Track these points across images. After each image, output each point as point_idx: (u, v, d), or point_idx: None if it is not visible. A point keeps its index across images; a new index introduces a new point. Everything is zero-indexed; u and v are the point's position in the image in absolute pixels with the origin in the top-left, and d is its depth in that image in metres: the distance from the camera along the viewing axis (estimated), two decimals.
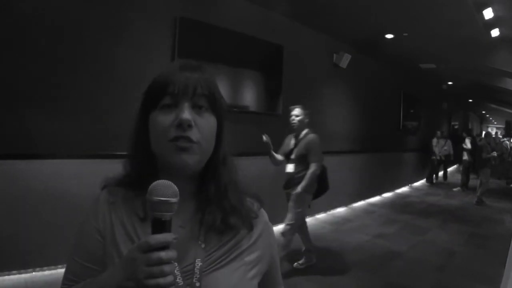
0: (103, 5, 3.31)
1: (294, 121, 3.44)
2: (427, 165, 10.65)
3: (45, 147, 2.94)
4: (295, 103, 5.45)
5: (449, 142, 10.52)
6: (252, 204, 0.77)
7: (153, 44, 3.70)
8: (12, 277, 2.80)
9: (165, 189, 0.57)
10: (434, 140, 10.32)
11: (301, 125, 3.45)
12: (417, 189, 9.75)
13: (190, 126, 0.65)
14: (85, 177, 2.98)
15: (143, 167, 0.69)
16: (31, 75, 2.92)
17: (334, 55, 6.27)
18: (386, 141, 8.31)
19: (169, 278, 0.55)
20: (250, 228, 0.73)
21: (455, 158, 11.01)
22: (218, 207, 0.70)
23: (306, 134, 3.44)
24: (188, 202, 0.70)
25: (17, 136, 2.83)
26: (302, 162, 3.38)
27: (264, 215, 0.79)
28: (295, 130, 3.49)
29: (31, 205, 2.84)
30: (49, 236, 2.88)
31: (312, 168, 3.30)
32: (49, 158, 2.97)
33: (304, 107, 3.51)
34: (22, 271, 2.87)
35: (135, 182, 0.69)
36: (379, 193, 8.06)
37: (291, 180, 3.43)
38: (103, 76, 3.34)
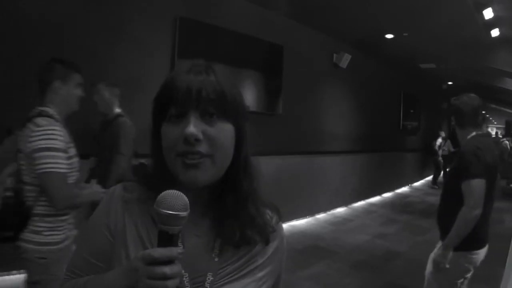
0: (103, 5, 3.31)
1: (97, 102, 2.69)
2: (428, 166, 10.62)
3: None
4: (295, 103, 5.48)
5: (448, 142, 10.51)
6: (270, 217, 0.73)
7: (153, 44, 3.70)
8: (12, 277, 2.80)
9: (174, 202, 0.53)
10: (439, 140, 10.25)
11: (106, 105, 2.67)
12: (417, 189, 9.75)
13: (197, 140, 0.59)
14: (85, 176, 2.98)
15: (159, 176, 0.65)
16: (31, 74, 2.92)
17: (334, 55, 6.27)
18: (386, 141, 8.31)
19: None
20: (267, 242, 0.70)
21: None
22: (237, 220, 0.66)
23: (115, 117, 2.63)
24: (205, 211, 0.67)
25: None
26: (107, 154, 2.54)
27: (281, 229, 0.75)
28: (100, 114, 2.72)
29: None
30: None
31: (116, 162, 2.48)
32: None
33: (109, 83, 2.74)
34: (22, 271, 2.86)
35: (153, 183, 0.65)
36: (379, 193, 8.07)
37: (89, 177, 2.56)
38: (103, 75, 3.33)
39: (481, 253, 1.95)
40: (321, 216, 5.87)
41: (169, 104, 0.62)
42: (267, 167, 4.89)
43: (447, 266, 1.90)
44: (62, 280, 0.70)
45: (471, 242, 1.88)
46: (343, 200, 6.61)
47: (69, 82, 1.78)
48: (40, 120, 1.60)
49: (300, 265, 3.66)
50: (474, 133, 2.00)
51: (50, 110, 1.70)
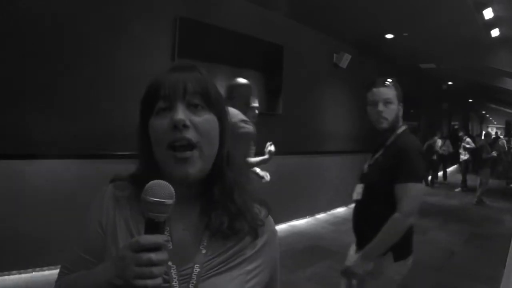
0: (103, 5, 3.31)
1: None
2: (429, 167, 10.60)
3: (45, 147, 2.94)
4: (295, 103, 5.48)
5: (447, 142, 10.48)
6: (259, 211, 0.74)
7: (153, 44, 3.70)
8: (12, 277, 2.80)
9: (160, 190, 0.56)
10: (440, 141, 10.24)
11: None
12: None
13: (185, 126, 0.63)
14: (85, 177, 2.98)
15: (148, 171, 0.67)
16: (31, 75, 2.92)
17: (334, 55, 6.27)
18: None
19: (158, 281, 0.54)
20: (255, 236, 0.70)
21: (454, 157, 11.01)
22: (224, 210, 0.68)
23: None
24: (192, 205, 0.69)
25: (17, 136, 2.83)
26: None
27: (271, 223, 0.76)
28: None
29: (31, 205, 2.84)
30: (49, 236, 2.88)
31: None
32: (49, 158, 2.97)
33: None
34: (22, 271, 2.86)
35: (142, 181, 0.67)
36: None
37: None
38: (103, 76, 3.34)
39: (411, 257, 1.71)
40: (321, 216, 5.87)
41: (157, 100, 0.66)
42: (266, 167, 4.89)
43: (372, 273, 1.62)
44: (57, 276, 0.72)
45: (408, 248, 1.67)
46: (343, 200, 6.60)
47: None
48: None
49: (300, 265, 3.66)
50: (404, 127, 1.73)
51: None
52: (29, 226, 2.83)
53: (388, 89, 1.69)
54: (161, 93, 0.65)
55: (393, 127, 1.71)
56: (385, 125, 1.69)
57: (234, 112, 2.24)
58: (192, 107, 0.65)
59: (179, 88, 0.65)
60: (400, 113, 1.73)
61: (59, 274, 0.72)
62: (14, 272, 2.83)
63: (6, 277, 2.79)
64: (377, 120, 1.72)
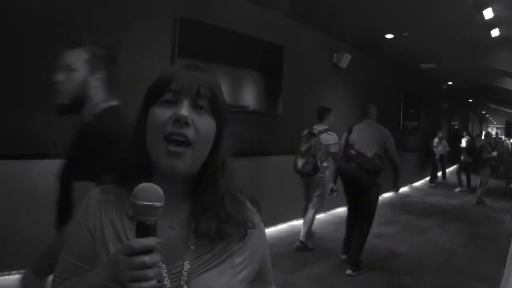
0: (103, 5, 3.31)
1: None
2: (428, 166, 10.60)
3: (45, 147, 2.94)
4: (295, 103, 5.48)
5: (444, 142, 10.46)
6: (251, 212, 0.75)
7: (153, 44, 3.70)
8: (12, 277, 2.80)
9: (149, 193, 0.56)
10: (435, 141, 10.26)
11: None
12: (417, 189, 9.75)
13: (187, 123, 0.64)
14: None
15: (137, 165, 0.68)
16: (31, 74, 2.92)
17: (334, 55, 6.27)
18: None
19: (153, 282, 0.55)
20: (244, 235, 0.71)
21: (453, 158, 11.01)
22: (213, 216, 0.68)
23: None
24: (180, 203, 0.70)
25: (17, 136, 2.83)
26: None
27: (257, 217, 0.78)
28: None
29: (31, 205, 2.84)
30: (49, 236, 2.88)
31: None
32: (49, 158, 2.96)
33: None
34: (22, 271, 2.85)
35: (128, 180, 0.67)
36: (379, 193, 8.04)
37: None
38: None
39: None
40: (321, 216, 5.86)
41: (165, 92, 0.67)
42: (266, 167, 4.89)
43: None
44: (50, 286, 0.72)
45: None
46: (343, 200, 6.59)
47: None
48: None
49: (300, 265, 3.66)
50: (105, 105, 1.35)
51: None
52: (29, 226, 2.82)
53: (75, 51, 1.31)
54: (171, 87, 0.66)
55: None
56: (65, 100, 1.30)
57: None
58: (196, 108, 0.67)
59: (192, 87, 0.66)
60: (95, 84, 1.31)
61: (52, 284, 0.71)
62: (14, 272, 2.83)
63: (6, 277, 2.79)
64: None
